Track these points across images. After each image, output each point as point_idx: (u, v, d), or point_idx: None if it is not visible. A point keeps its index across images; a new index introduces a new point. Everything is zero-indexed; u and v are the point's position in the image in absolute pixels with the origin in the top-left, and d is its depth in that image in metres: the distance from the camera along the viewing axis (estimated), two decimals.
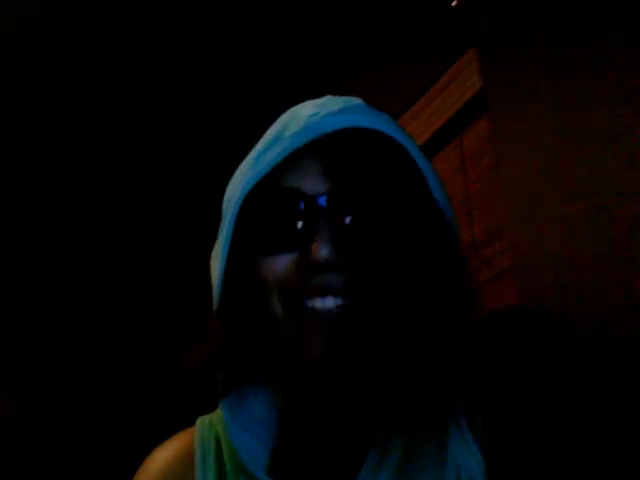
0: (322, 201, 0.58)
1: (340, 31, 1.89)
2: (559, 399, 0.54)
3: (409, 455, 0.57)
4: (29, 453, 2.66)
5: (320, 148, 0.60)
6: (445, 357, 0.56)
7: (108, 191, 2.79)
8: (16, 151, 2.57)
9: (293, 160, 0.60)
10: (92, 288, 2.91)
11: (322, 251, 0.56)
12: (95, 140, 2.54)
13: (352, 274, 0.57)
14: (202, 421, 0.71)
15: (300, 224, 0.59)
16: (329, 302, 0.57)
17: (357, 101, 0.66)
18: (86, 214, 2.85)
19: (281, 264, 0.59)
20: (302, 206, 0.59)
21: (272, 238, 0.60)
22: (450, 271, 0.59)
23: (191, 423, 0.71)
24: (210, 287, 0.66)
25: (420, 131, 1.53)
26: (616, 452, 0.52)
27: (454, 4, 1.41)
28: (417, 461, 0.57)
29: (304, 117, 0.61)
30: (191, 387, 0.66)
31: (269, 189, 0.61)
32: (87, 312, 2.87)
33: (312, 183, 0.60)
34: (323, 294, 0.57)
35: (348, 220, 0.59)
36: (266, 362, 0.63)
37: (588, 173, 1.08)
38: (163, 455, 0.71)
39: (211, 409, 0.70)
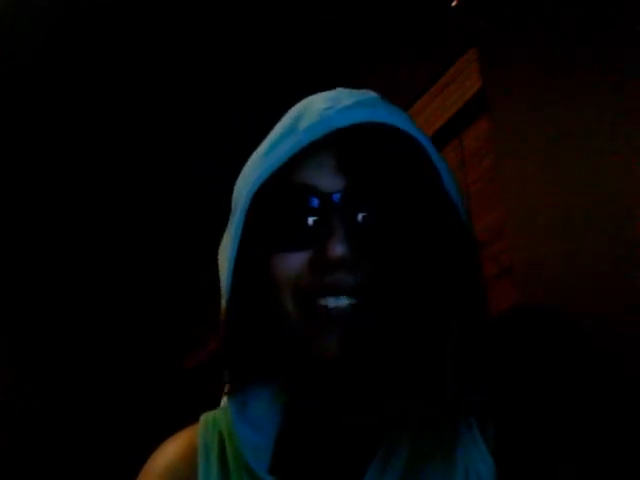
0: (337, 198, 0.57)
1: (340, 31, 1.89)
2: (569, 403, 0.53)
3: (417, 455, 0.57)
4: (29, 453, 2.66)
5: (333, 143, 0.58)
6: (456, 355, 0.56)
7: (109, 190, 2.79)
8: (16, 151, 2.56)
9: (305, 154, 0.58)
10: (92, 288, 2.90)
11: (337, 249, 0.55)
12: (95, 140, 2.54)
13: (366, 273, 0.57)
14: (206, 417, 0.71)
15: (314, 222, 0.58)
16: (342, 301, 0.56)
17: (371, 94, 0.64)
18: (87, 216, 2.85)
19: (294, 262, 0.58)
20: (316, 203, 0.58)
21: (284, 235, 0.59)
22: (463, 270, 0.58)
23: (192, 421, 0.71)
24: (211, 286, 0.66)
25: None
26: (618, 457, 0.52)
27: (454, 4, 1.41)
28: (426, 461, 0.56)
29: (318, 110, 0.59)
30: (195, 386, 0.67)
31: (281, 184, 0.59)
32: (87, 312, 2.87)
33: (326, 179, 0.58)
34: (336, 293, 0.56)
35: (363, 218, 0.57)
36: (274, 360, 0.62)
37: (588, 173, 1.07)
38: (168, 452, 0.70)
39: (211, 407, 0.70)
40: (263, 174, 0.59)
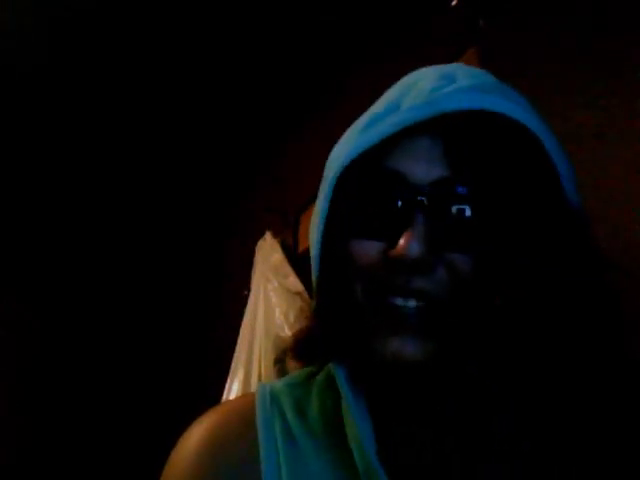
0: (423, 191, 0.51)
1: (340, 31, 1.89)
2: None
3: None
4: (30, 453, 2.66)
5: (433, 126, 0.51)
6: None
7: (108, 192, 2.79)
8: (19, 154, 2.57)
9: (401, 135, 0.52)
10: (94, 287, 2.91)
11: (409, 248, 0.49)
12: (97, 142, 2.54)
13: (442, 278, 0.51)
14: (262, 391, 0.63)
15: (395, 214, 0.52)
16: (411, 303, 0.51)
17: (490, 78, 0.57)
18: (89, 216, 2.85)
19: (368, 251, 0.53)
20: (401, 194, 0.52)
21: (364, 220, 0.54)
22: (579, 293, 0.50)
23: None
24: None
25: None
26: None
27: (454, 4, 1.41)
28: None
29: (426, 90, 0.53)
30: (298, 356, 0.61)
31: (371, 165, 0.53)
32: (88, 312, 2.87)
33: (418, 168, 0.52)
34: (405, 295, 0.51)
35: (451, 218, 0.51)
36: (347, 345, 0.56)
37: (588, 174, 1.08)
38: (218, 428, 0.60)
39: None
40: (355, 150, 0.53)
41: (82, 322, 2.86)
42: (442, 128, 0.51)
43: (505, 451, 0.54)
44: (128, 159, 2.65)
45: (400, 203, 0.52)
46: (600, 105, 1.08)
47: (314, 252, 0.56)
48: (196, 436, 0.60)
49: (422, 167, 0.52)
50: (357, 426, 0.54)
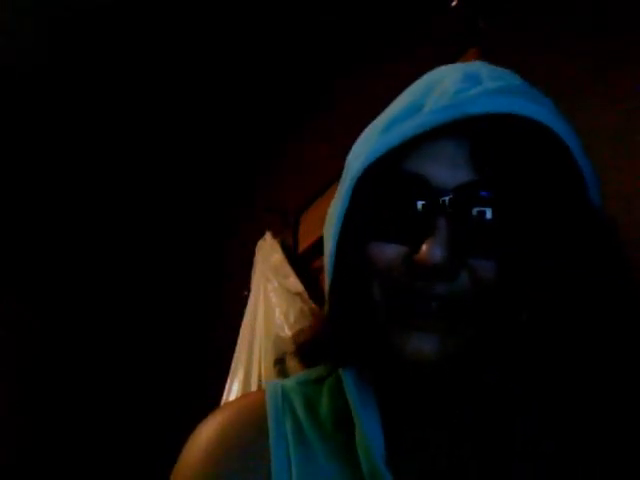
0: (447, 196, 0.50)
1: (340, 31, 1.89)
2: None
3: None
4: (32, 454, 2.66)
5: (457, 128, 0.50)
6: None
7: (108, 192, 2.79)
8: (19, 154, 2.57)
9: (422, 138, 0.51)
10: (94, 287, 2.91)
11: (432, 254, 0.48)
12: (97, 142, 2.54)
13: (466, 283, 0.50)
14: (274, 388, 0.62)
15: (417, 218, 0.51)
16: (430, 307, 0.50)
17: (517, 80, 0.56)
18: (89, 216, 2.85)
19: (387, 253, 0.52)
20: (423, 198, 0.51)
21: (384, 223, 0.52)
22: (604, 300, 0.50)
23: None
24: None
25: None
26: None
27: (454, 4, 1.41)
28: None
29: (450, 91, 0.52)
30: (306, 357, 0.59)
31: (391, 167, 0.52)
32: (88, 312, 2.87)
33: (441, 172, 0.50)
34: (426, 299, 0.50)
35: (474, 223, 0.50)
36: (363, 346, 0.56)
37: None
38: (235, 421, 0.60)
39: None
40: (376, 151, 0.52)
41: (82, 322, 2.85)
42: (466, 130, 0.50)
43: (528, 452, 0.52)
44: (128, 159, 2.65)
45: (423, 207, 0.51)
46: (602, 104, 1.08)
47: (329, 251, 0.55)
48: (206, 433, 0.59)
49: (446, 171, 0.51)
50: (363, 429, 0.54)
